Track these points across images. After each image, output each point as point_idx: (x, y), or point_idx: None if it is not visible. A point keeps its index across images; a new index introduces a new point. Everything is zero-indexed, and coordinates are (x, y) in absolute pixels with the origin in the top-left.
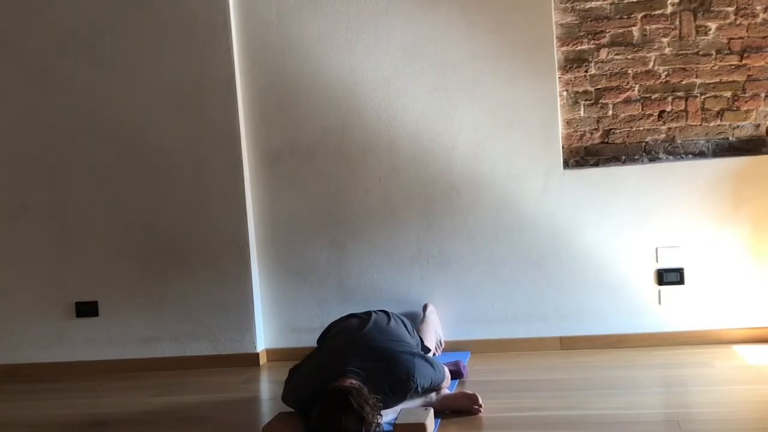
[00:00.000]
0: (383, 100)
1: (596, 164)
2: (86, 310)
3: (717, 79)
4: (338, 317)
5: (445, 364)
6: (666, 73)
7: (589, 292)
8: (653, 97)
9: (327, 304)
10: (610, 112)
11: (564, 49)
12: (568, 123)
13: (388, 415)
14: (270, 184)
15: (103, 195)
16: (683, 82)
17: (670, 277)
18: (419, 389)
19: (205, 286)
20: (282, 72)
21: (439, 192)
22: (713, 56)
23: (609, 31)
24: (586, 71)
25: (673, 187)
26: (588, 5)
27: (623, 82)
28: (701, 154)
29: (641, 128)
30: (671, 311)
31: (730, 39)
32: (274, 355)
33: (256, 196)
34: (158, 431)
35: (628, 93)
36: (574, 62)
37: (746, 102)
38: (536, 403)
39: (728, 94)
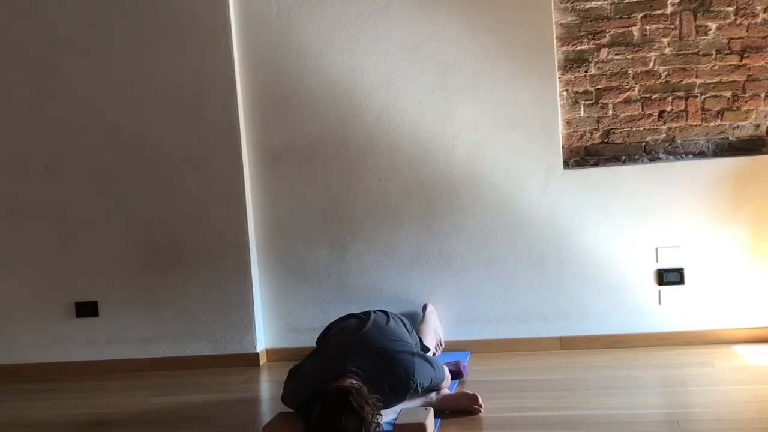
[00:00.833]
0: (383, 100)
1: (596, 164)
2: (86, 310)
3: (717, 79)
4: (338, 317)
5: (445, 364)
6: (666, 73)
7: (589, 292)
8: (653, 97)
9: (327, 304)
10: (610, 112)
11: (564, 49)
12: (568, 123)
13: (388, 415)
14: (270, 184)
15: (103, 195)
16: (683, 82)
17: (670, 277)
18: (419, 389)
19: (205, 286)
20: (282, 72)
21: (439, 192)
22: (713, 56)
23: (609, 31)
24: (586, 71)
25: (673, 187)
26: (588, 5)
27: (623, 82)
28: (701, 154)
29: (641, 128)
30: (671, 311)
31: (730, 39)
32: (274, 355)
33: (256, 196)
34: (158, 431)
35: (628, 93)
36: (574, 62)
37: (746, 102)
38: (536, 403)
39: (728, 94)
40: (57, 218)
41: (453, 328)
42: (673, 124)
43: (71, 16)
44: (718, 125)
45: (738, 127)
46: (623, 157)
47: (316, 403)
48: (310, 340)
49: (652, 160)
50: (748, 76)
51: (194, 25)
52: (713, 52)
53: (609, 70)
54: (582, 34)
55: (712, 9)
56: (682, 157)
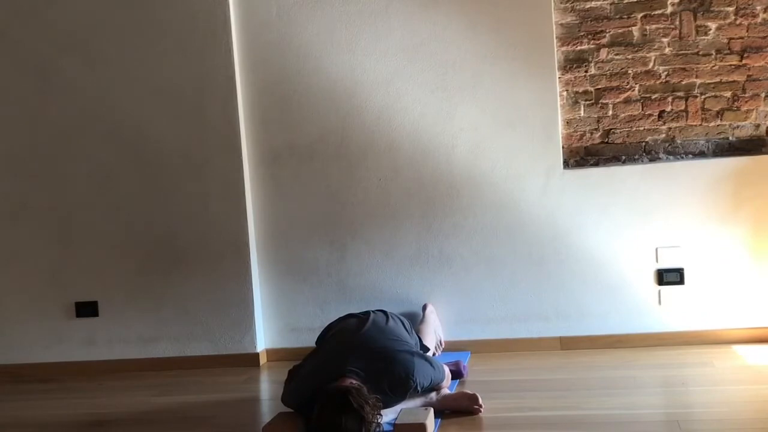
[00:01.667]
0: (383, 100)
1: (596, 164)
2: (86, 310)
3: (717, 79)
4: (338, 317)
5: (445, 364)
6: (666, 73)
7: (589, 292)
8: (653, 97)
9: (327, 304)
10: (610, 112)
11: (564, 49)
12: (568, 123)
13: (388, 415)
14: (270, 184)
15: (103, 195)
16: (683, 82)
17: (670, 277)
18: (419, 388)
19: (205, 286)
20: (282, 72)
21: (439, 192)
22: (713, 56)
23: (609, 31)
24: (586, 71)
25: (673, 187)
26: (588, 5)
27: (623, 82)
28: (701, 154)
29: (641, 128)
30: (671, 311)
31: (730, 39)
32: (274, 355)
33: (256, 196)
34: (158, 431)
35: (628, 93)
36: (574, 62)
37: (746, 102)
38: (536, 403)
39: (728, 94)
40: (57, 218)
41: (453, 328)
42: (673, 124)
43: (71, 16)
44: (718, 125)
45: (738, 127)
46: (623, 157)
47: (316, 404)
48: (310, 340)
49: (652, 160)
50: (748, 76)
51: (194, 25)
52: (713, 52)
53: (609, 70)
54: (582, 34)
55: (712, 9)
56: (682, 157)
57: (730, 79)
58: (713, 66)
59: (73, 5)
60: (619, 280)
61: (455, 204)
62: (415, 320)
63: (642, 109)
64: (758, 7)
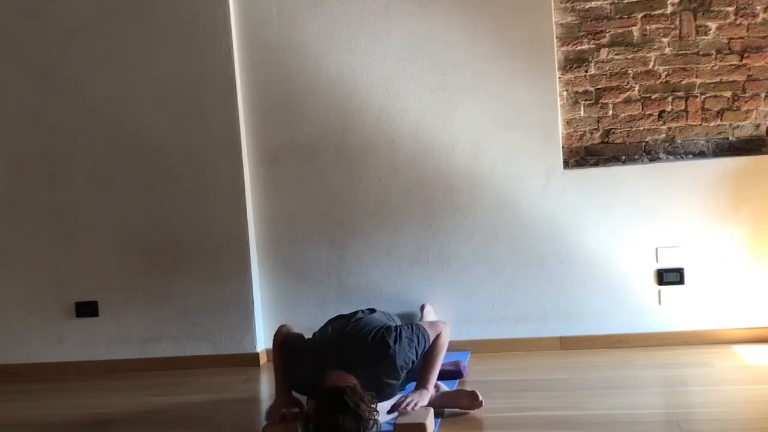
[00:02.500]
0: (383, 100)
1: (596, 164)
2: (86, 310)
3: (717, 79)
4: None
5: (445, 364)
6: (666, 73)
7: (589, 292)
8: (653, 97)
9: (327, 304)
10: (610, 112)
11: (564, 49)
12: (568, 123)
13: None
14: (270, 184)
15: (103, 195)
16: (683, 82)
17: (670, 277)
18: (402, 347)
19: (205, 286)
20: (282, 72)
21: (439, 192)
22: (713, 56)
23: (609, 31)
24: (586, 71)
25: (673, 187)
26: (588, 5)
27: (623, 82)
28: (701, 154)
29: (641, 128)
30: (671, 311)
31: (730, 39)
32: None
33: (256, 196)
34: (158, 431)
35: (628, 93)
36: (574, 62)
37: (746, 102)
38: (536, 403)
39: (728, 94)
40: (57, 218)
41: (453, 328)
42: (673, 124)
43: (71, 16)
44: (718, 125)
45: (738, 127)
46: (623, 157)
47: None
48: None
49: (652, 160)
50: (748, 76)
51: (194, 25)
52: (713, 52)
53: (609, 70)
54: (582, 34)
55: (712, 9)
56: (682, 157)
57: (730, 79)
58: (713, 66)
59: (73, 5)
60: (619, 280)
61: (455, 204)
62: (413, 320)
63: (642, 109)
64: (758, 7)
